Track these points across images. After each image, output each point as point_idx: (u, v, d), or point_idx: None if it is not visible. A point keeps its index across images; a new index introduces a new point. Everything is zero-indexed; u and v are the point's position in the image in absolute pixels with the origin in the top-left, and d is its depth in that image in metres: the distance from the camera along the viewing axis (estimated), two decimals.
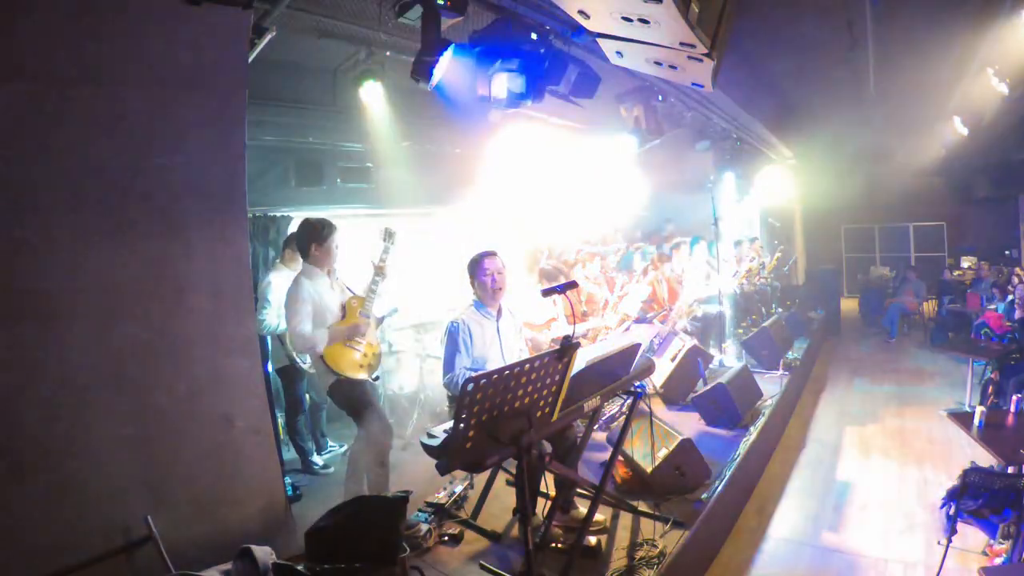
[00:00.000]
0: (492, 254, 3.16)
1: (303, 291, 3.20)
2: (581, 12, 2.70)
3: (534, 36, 3.49)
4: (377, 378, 3.49)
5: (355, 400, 3.27)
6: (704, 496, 3.27)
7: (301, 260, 4.21)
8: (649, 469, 3.25)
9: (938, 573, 2.93)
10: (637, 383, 2.93)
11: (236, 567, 2.14)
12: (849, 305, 11.41)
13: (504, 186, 6.63)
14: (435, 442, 2.49)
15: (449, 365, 3.01)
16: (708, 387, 4.64)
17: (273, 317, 3.99)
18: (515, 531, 2.96)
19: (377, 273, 3.37)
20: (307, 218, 3.40)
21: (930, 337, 8.77)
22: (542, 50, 3.51)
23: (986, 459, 3.61)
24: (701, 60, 2.85)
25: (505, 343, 3.15)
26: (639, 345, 2.94)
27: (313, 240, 3.30)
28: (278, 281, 4.08)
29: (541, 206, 7.42)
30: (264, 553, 2.16)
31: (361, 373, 3.27)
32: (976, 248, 11.46)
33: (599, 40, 2.99)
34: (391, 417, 4.85)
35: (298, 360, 4.06)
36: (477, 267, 3.12)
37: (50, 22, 2.16)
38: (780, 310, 8.21)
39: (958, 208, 12.06)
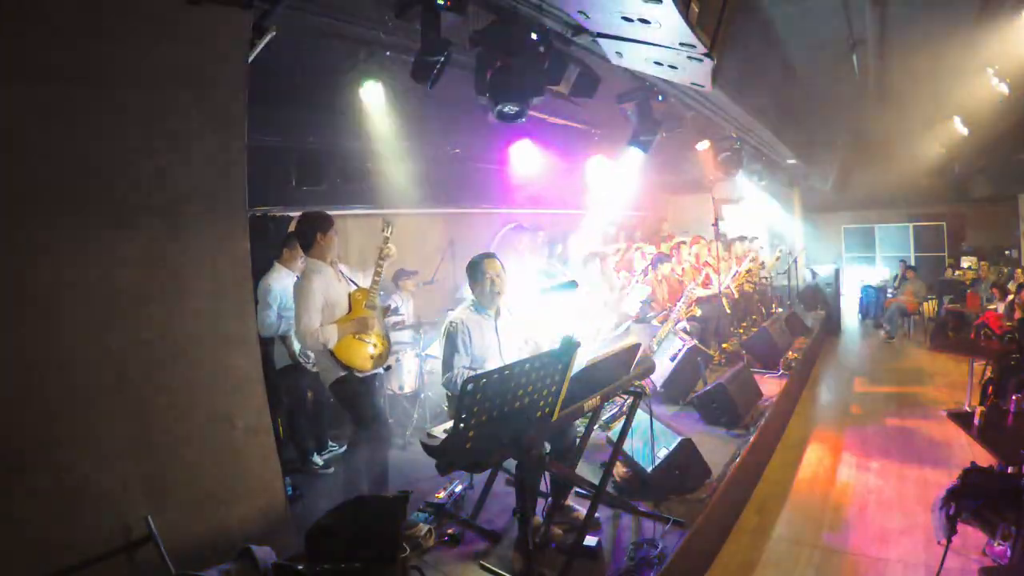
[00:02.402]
0: (491, 256, 3.15)
1: (313, 284, 3.17)
2: (581, 12, 2.70)
3: (534, 36, 3.49)
4: (389, 367, 3.48)
5: (358, 398, 3.27)
6: (704, 496, 3.27)
7: (301, 258, 4.24)
8: (649, 469, 3.25)
9: (938, 573, 2.93)
10: (637, 383, 2.93)
11: (236, 567, 2.15)
12: (849, 305, 11.41)
13: (503, 186, 6.65)
14: (435, 442, 2.49)
15: (448, 365, 3.00)
16: (708, 387, 4.64)
17: (274, 317, 3.99)
18: (515, 531, 2.96)
19: (380, 258, 3.38)
20: (306, 212, 3.41)
21: (930, 337, 8.77)
22: (542, 49, 3.51)
23: (986, 459, 3.61)
24: (701, 60, 2.85)
25: (504, 342, 3.15)
26: (639, 345, 2.94)
27: (318, 229, 3.29)
28: (277, 282, 4.08)
29: (541, 206, 7.43)
30: (264, 553, 2.16)
31: (372, 365, 3.26)
32: (976, 248, 11.46)
33: (599, 40, 2.99)
34: (391, 417, 4.86)
35: (301, 359, 4.07)
36: (476, 269, 3.11)
37: (50, 22, 2.16)
38: (780, 310, 8.21)
39: (958, 208, 12.07)
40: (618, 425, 3.60)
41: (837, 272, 10.40)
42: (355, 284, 3.44)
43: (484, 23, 3.40)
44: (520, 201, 7.36)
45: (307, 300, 3.13)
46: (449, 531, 2.96)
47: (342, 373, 3.21)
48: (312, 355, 3.82)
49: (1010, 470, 3.23)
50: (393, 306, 4.64)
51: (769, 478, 4.39)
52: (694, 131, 7.01)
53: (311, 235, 3.30)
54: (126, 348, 2.36)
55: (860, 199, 12.53)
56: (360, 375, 3.24)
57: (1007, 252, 11.02)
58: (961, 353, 7.09)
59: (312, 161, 5.30)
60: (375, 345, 3.30)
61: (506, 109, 3.44)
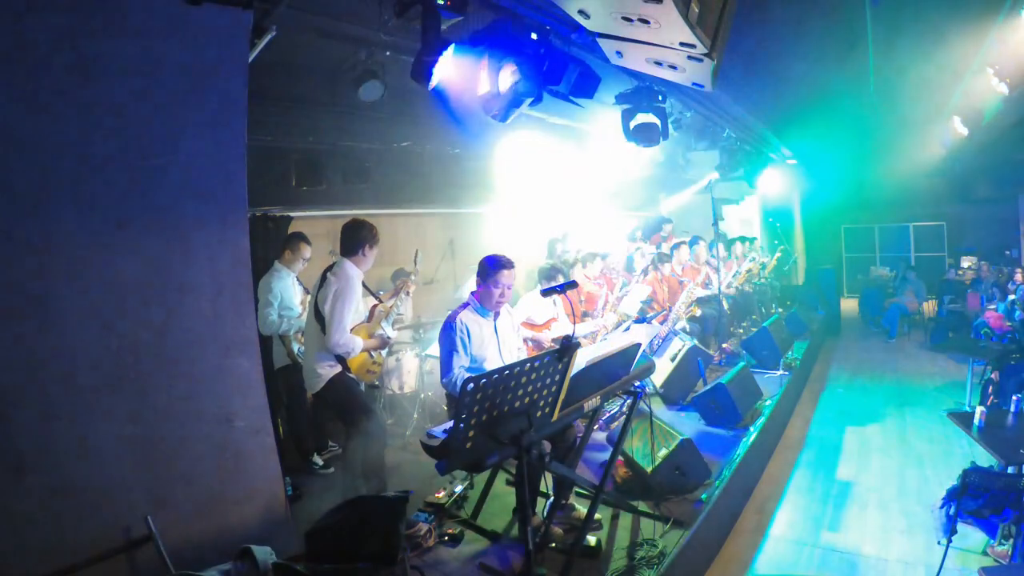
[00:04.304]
0: (510, 267, 3.08)
1: (357, 291, 3.24)
2: (581, 12, 2.70)
3: (534, 36, 3.49)
4: (376, 385, 3.58)
5: (353, 398, 3.29)
6: (704, 496, 3.27)
7: (302, 259, 4.26)
8: (649, 469, 3.25)
9: (938, 573, 2.93)
10: (637, 383, 2.93)
11: (236, 567, 2.15)
12: (849, 305, 11.41)
13: (504, 186, 6.65)
14: (435, 442, 2.49)
15: (447, 365, 3.00)
16: (708, 387, 4.64)
17: (274, 315, 4.00)
18: (515, 531, 2.96)
19: (405, 292, 3.57)
20: (361, 219, 3.43)
21: (930, 337, 8.77)
22: (542, 50, 3.51)
23: (986, 459, 3.62)
24: (701, 60, 2.85)
25: (503, 342, 3.15)
26: (639, 345, 2.94)
27: (368, 242, 3.32)
28: (278, 281, 4.09)
29: (541, 206, 7.42)
30: (264, 553, 2.16)
31: (367, 379, 3.38)
32: (976, 248, 11.47)
33: (599, 40, 2.99)
34: (390, 418, 4.86)
35: (299, 359, 4.07)
36: (491, 275, 3.06)
37: (50, 21, 2.16)
38: (780, 310, 8.20)
39: (958, 208, 12.07)
40: (618, 425, 3.61)
41: (837, 272, 10.40)
42: (377, 298, 3.50)
43: (484, 23, 3.40)
44: (520, 201, 7.35)
45: (349, 305, 3.19)
46: (449, 531, 2.96)
47: (336, 371, 3.23)
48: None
49: (1010, 470, 3.23)
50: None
51: (769, 478, 4.39)
52: (694, 131, 7.01)
53: (359, 246, 3.32)
54: (126, 348, 2.36)
55: (860, 199, 12.53)
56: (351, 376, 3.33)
57: (1007, 252, 11.02)
58: (961, 353, 7.08)
59: (312, 161, 5.30)
60: (376, 361, 3.43)
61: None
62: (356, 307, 3.26)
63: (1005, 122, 7.41)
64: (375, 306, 3.49)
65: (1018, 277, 8.00)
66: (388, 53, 3.99)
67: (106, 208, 2.33)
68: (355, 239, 3.32)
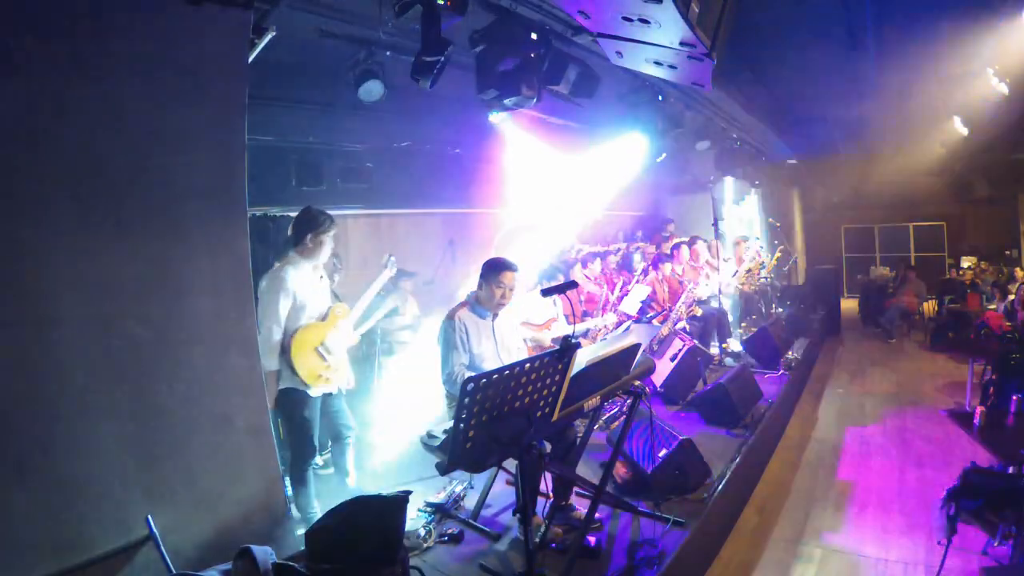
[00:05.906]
0: (513, 270, 3.08)
1: (286, 283, 3.03)
2: (581, 12, 2.70)
3: (534, 36, 3.50)
4: (331, 394, 3.24)
5: (297, 417, 3.11)
6: (704, 496, 3.27)
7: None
8: (649, 469, 3.25)
9: (938, 573, 2.93)
10: (637, 383, 2.93)
11: (236, 567, 2.14)
12: (849, 305, 11.41)
13: (504, 186, 6.65)
14: (435, 442, 2.49)
15: (446, 362, 3.01)
16: (708, 387, 4.64)
17: None
18: (515, 531, 2.96)
19: (379, 293, 3.43)
20: (309, 206, 3.28)
21: (930, 337, 8.76)
22: (542, 50, 3.51)
23: (986, 459, 3.62)
24: (701, 60, 2.86)
25: (501, 342, 3.16)
26: (639, 345, 2.94)
27: (311, 230, 3.14)
28: None
29: (542, 206, 7.42)
30: (264, 553, 2.16)
31: (317, 384, 3.09)
32: (976, 248, 11.47)
33: (599, 40, 3.00)
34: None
35: None
36: (494, 276, 3.06)
37: (50, 21, 2.16)
38: (780, 310, 8.20)
39: (958, 208, 12.07)
40: (618, 425, 3.61)
41: (837, 272, 10.39)
42: (338, 298, 3.42)
43: (484, 23, 3.41)
44: (520, 201, 7.35)
45: (273, 297, 2.99)
46: (449, 531, 2.97)
47: (287, 385, 3.05)
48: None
49: (1010, 470, 3.23)
50: (394, 307, 4.65)
51: (769, 478, 4.38)
52: (694, 131, 7.01)
53: (303, 232, 3.15)
54: (126, 348, 2.36)
55: (860, 199, 12.54)
56: (309, 393, 3.09)
57: (1007, 252, 11.03)
58: (961, 353, 7.09)
59: (312, 161, 5.31)
60: (329, 366, 3.13)
61: (505, 102, 3.45)
62: (286, 303, 3.02)
63: (1005, 122, 7.41)
64: (334, 307, 3.27)
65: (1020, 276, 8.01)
66: (388, 53, 3.99)
67: (106, 208, 2.33)
68: (297, 228, 3.17)
